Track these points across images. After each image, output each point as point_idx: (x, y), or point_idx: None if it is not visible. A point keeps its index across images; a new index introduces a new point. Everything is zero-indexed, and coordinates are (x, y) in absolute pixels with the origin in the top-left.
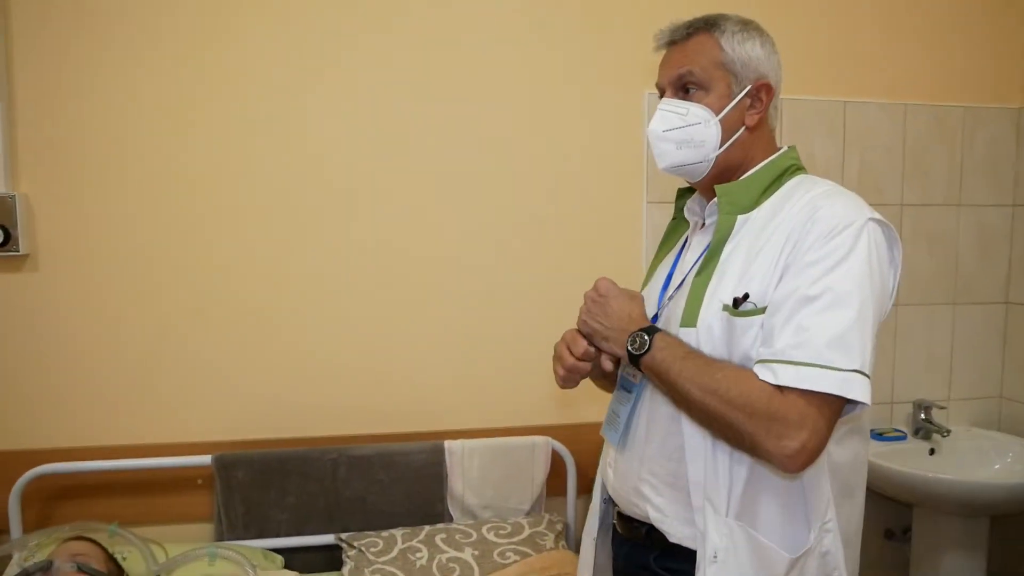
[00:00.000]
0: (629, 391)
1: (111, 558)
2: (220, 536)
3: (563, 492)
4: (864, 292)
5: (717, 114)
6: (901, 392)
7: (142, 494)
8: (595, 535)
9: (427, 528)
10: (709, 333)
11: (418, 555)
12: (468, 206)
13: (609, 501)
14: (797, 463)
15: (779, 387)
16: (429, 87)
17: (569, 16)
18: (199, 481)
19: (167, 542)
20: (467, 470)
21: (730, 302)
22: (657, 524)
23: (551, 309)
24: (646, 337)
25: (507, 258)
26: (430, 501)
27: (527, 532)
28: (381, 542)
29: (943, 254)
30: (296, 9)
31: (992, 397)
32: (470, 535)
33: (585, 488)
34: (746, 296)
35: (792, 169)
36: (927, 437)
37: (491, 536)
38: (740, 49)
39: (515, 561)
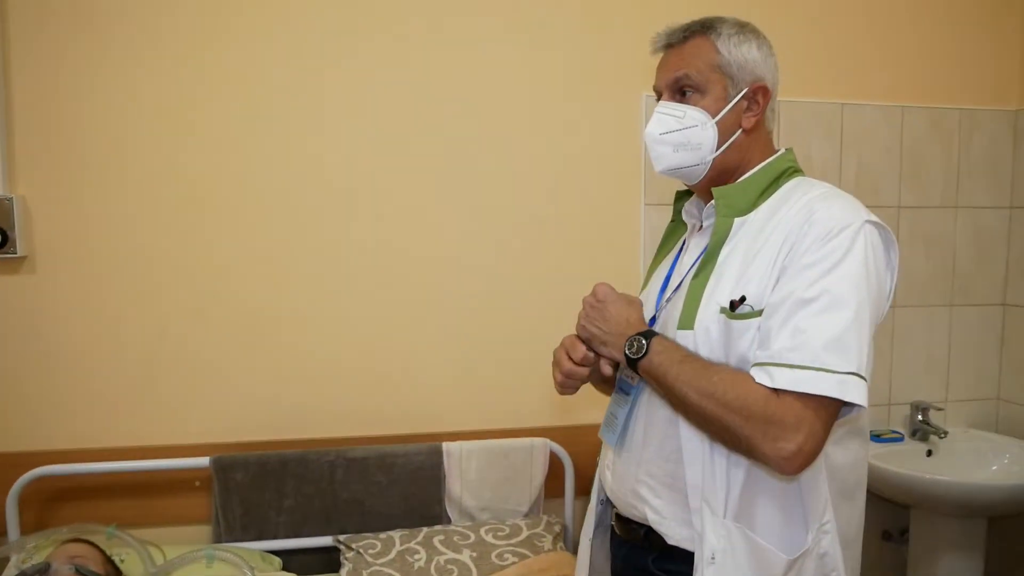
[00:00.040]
0: (627, 393)
1: (109, 560)
2: (218, 538)
3: (561, 494)
4: (861, 294)
5: (713, 117)
6: (898, 394)
7: (140, 496)
8: (591, 535)
9: (425, 530)
10: (706, 335)
11: (416, 557)
12: (466, 208)
13: (607, 502)
14: (794, 465)
15: (775, 390)
16: (427, 89)
17: (567, 18)
18: (197, 483)
19: (165, 544)
20: (465, 472)
21: (727, 305)
22: (655, 526)
23: (549, 310)
24: (643, 341)
25: (505, 259)
26: (428, 503)
27: (525, 534)
28: (379, 544)
29: (940, 256)
30: (295, 11)
31: (989, 399)
32: (468, 537)
33: (583, 490)
34: (743, 299)
35: (789, 171)
36: (924, 438)
37: (489, 538)
38: (736, 52)
39: (513, 563)
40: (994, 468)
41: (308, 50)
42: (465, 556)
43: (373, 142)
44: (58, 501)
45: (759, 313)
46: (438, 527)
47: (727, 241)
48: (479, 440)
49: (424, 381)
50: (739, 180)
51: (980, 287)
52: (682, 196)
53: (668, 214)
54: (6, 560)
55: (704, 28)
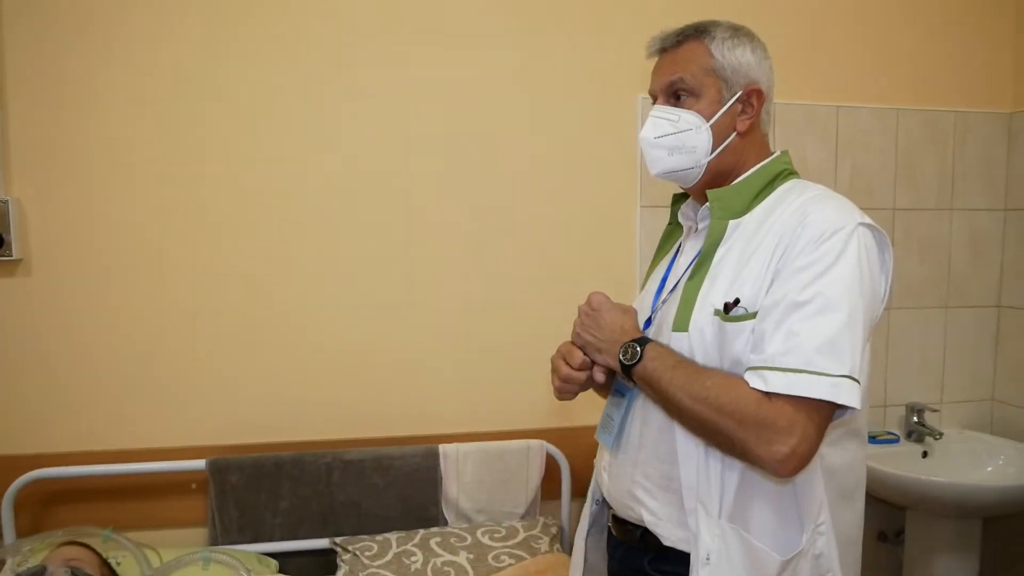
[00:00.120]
0: (623, 395)
1: (105, 563)
2: (214, 541)
3: (558, 495)
4: (854, 297)
5: (708, 120)
6: (894, 395)
7: (136, 499)
8: (586, 534)
9: (422, 532)
10: (701, 337)
11: (413, 559)
12: (463, 210)
13: (603, 503)
14: (788, 468)
15: (768, 393)
16: (425, 92)
17: (563, 20)
18: (193, 486)
19: (161, 547)
20: (462, 474)
21: (721, 307)
22: (651, 527)
23: (545, 312)
24: (637, 348)
25: (502, 261)
26: (424, 505)
27: (522, 535)
28: (375, 546)
29: (935, 258)
30: (295, 14)
31: (984, 400)
32: (465, 539)
33: (580, 491)
34: (737, 301)
35: (784, 174)
36: (920, 440)
37: (486, 539)
38: (730, 55)
39: (510, 564)
40: (989, 469)
41: (305, 53)
42: (462, 558)
43: (370, 144)
44: (54, 504)
45: (753, 315)
46: (434, 529)
47: (722, 243)
48: (475, 442)
49: (420, 383)
50: (734, 183)
51: (975, 289)
52: (679, 199)
53: (664, 216)
54: (2, 563)
55: (698, 32)
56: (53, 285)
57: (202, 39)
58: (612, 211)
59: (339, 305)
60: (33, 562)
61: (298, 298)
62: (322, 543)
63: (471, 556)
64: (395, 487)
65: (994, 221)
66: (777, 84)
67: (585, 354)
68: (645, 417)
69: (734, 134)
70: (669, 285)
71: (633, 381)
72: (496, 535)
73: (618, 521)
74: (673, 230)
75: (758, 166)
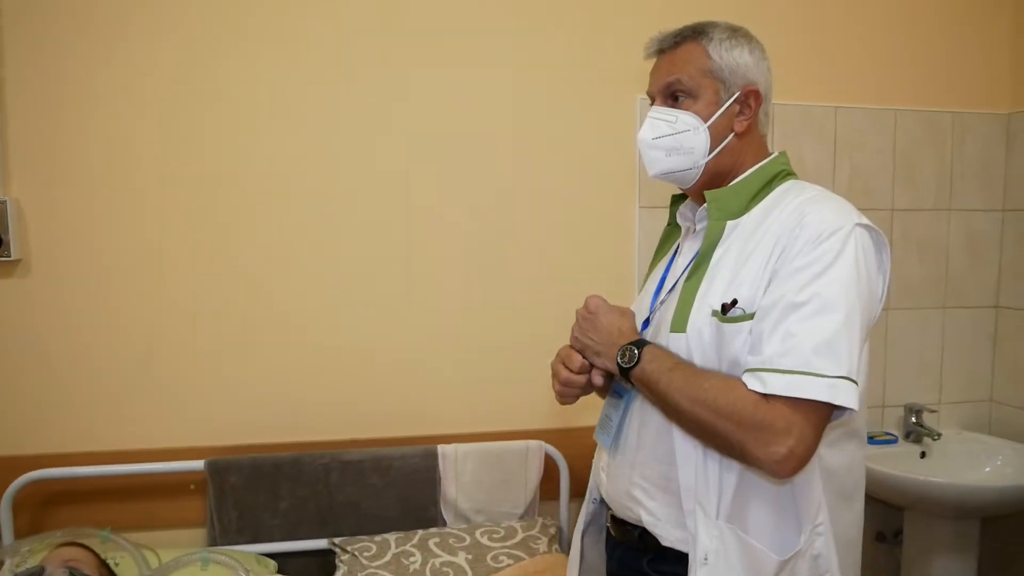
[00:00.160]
0: (620, 396)
1: (103, 564)
2: (213, 541)
3: (556, 496)
4: (851, 297)
5: (705, 121)
6: (892, 396)
7: (135, 499)
8: (582, 532)
9: (420, 532)
10: (699, 338)
11: (411, 559)
12: (462, 211)
13: (601, 502)
14: (786, 469)
15: (766, 395)
16: (423, 93)
17: (562, 21)
18: (192, 486)
19: (160, 547)
20: (460, 474)
21: (719, 308)
22: (650, 528)
23: (544, 313)
24: (635, 351)
25: (500, 261)
26: (423, 505)
27: (520, 536)
28: (374, 546)
29: (933, 258)
30: (294, 15)
31: (982, 400)
32: (463, 539)
33: (578, 492)
34: (734, 302)
35: (782, 174)
36: (918, 440)
37: (484, 540)
38: (728, 56)
39: (508, 565)
40: (987, 470)
41: (305, 53)
42: (460, 558)
43: (369, 144)
44: (52, 504)
45: (751, 316)
46: (433, 529)
47: (720, 244)
48: (474, 442)
49: (419, 384)
50: (732, 183)
51: (973, 290)
52: (677, 200)
53: (663, 217)
54: (0, 564)
55: (696, 33)
56: (52, 286)
57: (202, 39)
58: (611, 211)
59: (338, 305)
60: (32, 563)
61: (297, 298)
62: (321, 544)
63: (470, 556)
64: (394, 487)
65: (992, 222)
66: (775, 85)
67: (584, 357)
68: (643, 418)
69: (732, 135)
70: (667, 286)
71: (631, 383)
72: (495, 535)
73: (617, 521)
74: (672, 231)
75: (756, 167)
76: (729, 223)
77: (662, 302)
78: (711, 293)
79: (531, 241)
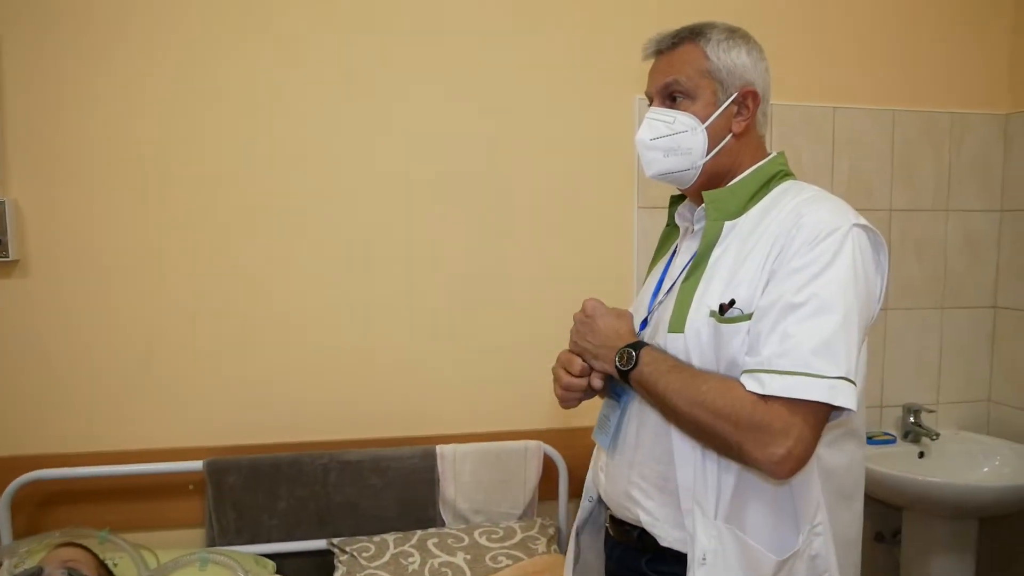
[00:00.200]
0: (618, 396)
1: (102, 564)
2: (211, 542)
3: (555, 496)
4: (849, 298)
5: (703, 122)
6: (890, 396)
7: (133, 500)
8: (577, 530)
9: (419, 533)
10: (697, 338)
11: (410, 560)
12: (460, 211)
13: (600, 502)
14: (784, 470)
15: (764, 396)
16: (422, 93)
17: (560, 21)
18: (190, 487)
19: (158, 548)
20: (459, 474)
21: (716, 308)
22: (648, 528)
23: (543, 313)
24: (633, 353)
25: (499, 262)
26: (422, 506)
27: (519, 536)
28: (373, 547)
29: (931, 259)
30: (293, 14)
31: (980, 401)
32: (462, 539)
33: (577, 492)
34: (732, 302)
35: (780, 175)
36: (916, 440)
37: (483, 540)
38: (726, 57)
39: (507, 565)
40: (985, 470)
41: (304, 53)
42: (459, 559)
43: (369, 144)
44: (51, 505)
45: (748, 316)
46: (432, 530)
47: (718, 244)
48: (473, 443)
49: (418, 384)
50: (729, 184)
51: (971, 290)
52: (676, 200)
53: (661, 217)
54: None
55: (693, 34)
56: (50, 286)
57: (201, 39)
58: (610, 211)
59: (337, 305)
60: (30, 563)
61: (296, 298)
62: (319, 544)
63: (468, 557)
64: (392, 488)
65: (990, 222)
66: (773, 85)
67: (583, 361)
68: (641, 418)
69: (729, 136)
70: (666, 286)
71: (631, 386)
72: (493, 536)
73: (615, 522)
74: (671, 231)
75: (754, 167)
76: (727, 223)
77: (660, 302)
78: (709, 293)
79: (530, 241)
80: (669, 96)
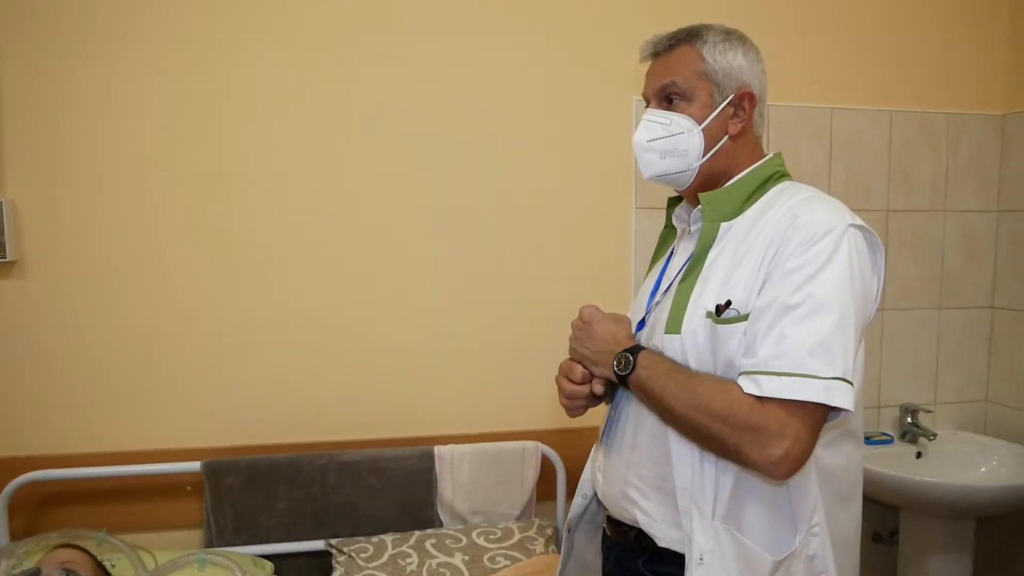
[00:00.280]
0: (614, 397)
1: (99, 565)
2: (209, 542)
3: (553, 497)
4: (845, 298)
5: (700, 124)
6: (888, 396)
7: (131, 501)
8: (571, 528)
9: (417, 533)
10: (693, 339)
11: (408, 560)
12: (459, 212)
13: (596, 500)
14: (782, 470)
15: (761, 398)
16: (420, 94)
17: (558, 22)
18: (188, 487)
19: (156, 549)
20: (457, 475)
21: (713, 309)
22: (645, 528)
23: (541, 314)
24: (630, 357)
25: (496, 263)
26: (420, 506)
27: (517, 537)
28: (371, 548)
29: (929, 259)
30: (292, 14)
31: (978, 401)
32: (460, 540)
33: (575, 492)
34: (729, 303)
35: (776, 176)
36: (914, 441)
37: (481, 541)
38: (722, 59)
39: (505, 566)
40: (983, 470)
41: (303, 53)
42: (457, 559)
43: (368, 145)
44: (48, 506)
45: (745, 317)
46: (430, 530)
47: (714, 245)
48: (471, 443)
49: (416, 384)
50: (726, 185)
51: (968, 290)
52: (674, 202)
53: (659, 218)
54: None
55: (690, 36)
56: (48, 287)
57: (201, 39)
58: (608, 212)
59: (337, 306)
60: (27, 565)
61: (296, 298)
62: (317, 545)
63: (466, 557)
64: (390, 489)
65: (987, 222)
66: (770, 86)
67: (584, 368)
68: (639, 419)
69: (726, 137)
70: (663, 287)
71: (629, 390)
72: (491, 536)
73: (612, 522)
74: (669, 233)
75: (750, 168)
76: (723, 225)
77: (657, 303)
78: (705, 294)
79: (528, 242)
80: (666, 98)
